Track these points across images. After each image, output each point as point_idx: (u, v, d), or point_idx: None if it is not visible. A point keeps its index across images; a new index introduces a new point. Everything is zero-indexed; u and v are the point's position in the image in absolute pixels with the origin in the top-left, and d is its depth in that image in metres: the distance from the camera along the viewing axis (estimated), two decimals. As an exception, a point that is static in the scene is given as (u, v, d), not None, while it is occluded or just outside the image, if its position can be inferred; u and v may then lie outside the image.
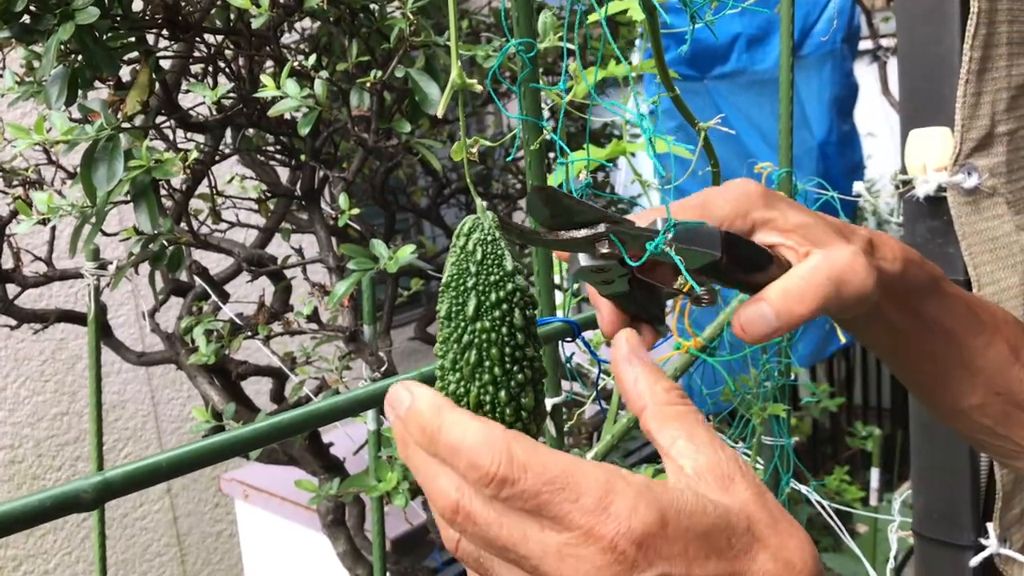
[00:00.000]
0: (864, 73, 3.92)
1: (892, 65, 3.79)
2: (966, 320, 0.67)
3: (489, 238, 0.50)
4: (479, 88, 0.54)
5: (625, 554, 0.42)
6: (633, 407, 0.50)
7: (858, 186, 1.30)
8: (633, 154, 1.29)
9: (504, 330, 0.49)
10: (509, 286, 0.49)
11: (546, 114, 1.01)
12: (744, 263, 0.57)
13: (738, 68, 3.54)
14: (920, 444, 1.24)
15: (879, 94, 3.82)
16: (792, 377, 1.37)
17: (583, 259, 0.54)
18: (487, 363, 0.49)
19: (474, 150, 0.61)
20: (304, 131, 1.21)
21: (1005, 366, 0.67)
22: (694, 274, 0.55)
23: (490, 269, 0.49)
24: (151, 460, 0.53)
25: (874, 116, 4.13)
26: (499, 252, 0.49)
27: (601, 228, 0.52)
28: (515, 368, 0.49)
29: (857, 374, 4.61)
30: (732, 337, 1.18)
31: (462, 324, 0.49)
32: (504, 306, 0.49)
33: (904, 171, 1.13)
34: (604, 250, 0.52)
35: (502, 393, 0.49)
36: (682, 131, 2.99)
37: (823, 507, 1.45)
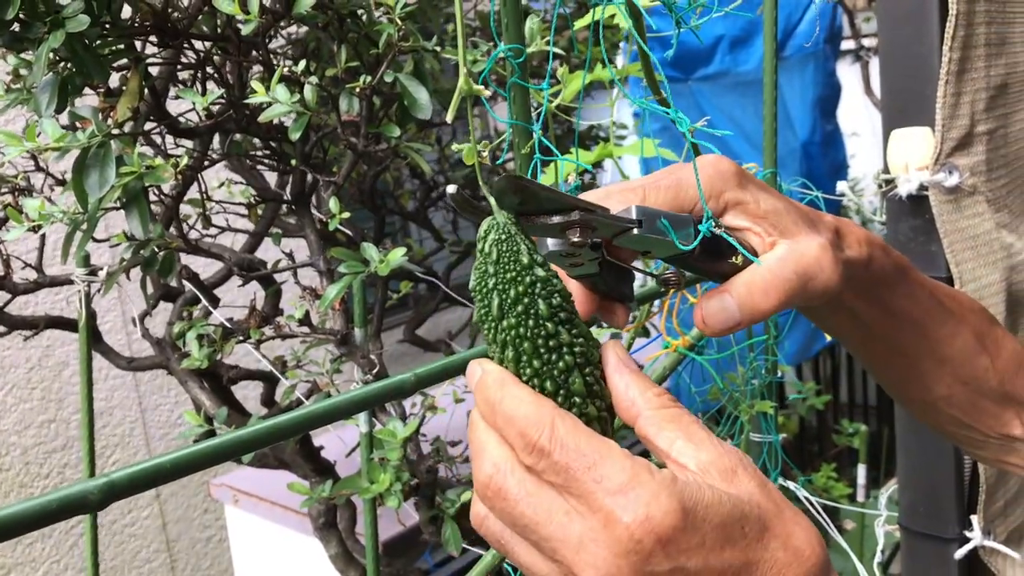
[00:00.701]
0: (847, 73, 3.95)
1: (875, 65, 3.83)
2: (932, 310, 0.66)
3: (504, 237, 0.50)
4: (487, 93, 0.54)
5: (642, 544, 0.43)
6: (626, 415, 0.51)
7: (842, 185, 1.32)
8: (619, 156, 1.30)
9: (531, 323, 0.50)
10: (527, 279, 0.50)
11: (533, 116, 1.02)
12: (711, 252, 0.57)
13: (721, 69, 3.57)
14: (906, 440, 1.26)
15: (862, 94, 3.85)
16: (779, 375, 1.38)
17: (551, 243, 0.54)
18: (524, 358, 0.50)
19: (485, 153, 0.62)
20: (295, 136, 1.22)
21: (972, 355, 0.67)
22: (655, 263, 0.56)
23: (507, 267, 0.50)
24: (155, 461, 0.54)
25: (857, 116, 4.17)
26: (514, 248, 0.50)
27: (575, 216, 0.52)
28: (554, 357, 0.50)
29: (843, 372, 4.64)
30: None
31: (492, 325, 0.51)
32: (525, 300, 0.50)
33: (886, 170, 1.15)
34: (575, 238, 0.52)
35: (547, 383, 0.50)
36: (666, 132, 3.01)
37: (811, 503, 1.47)
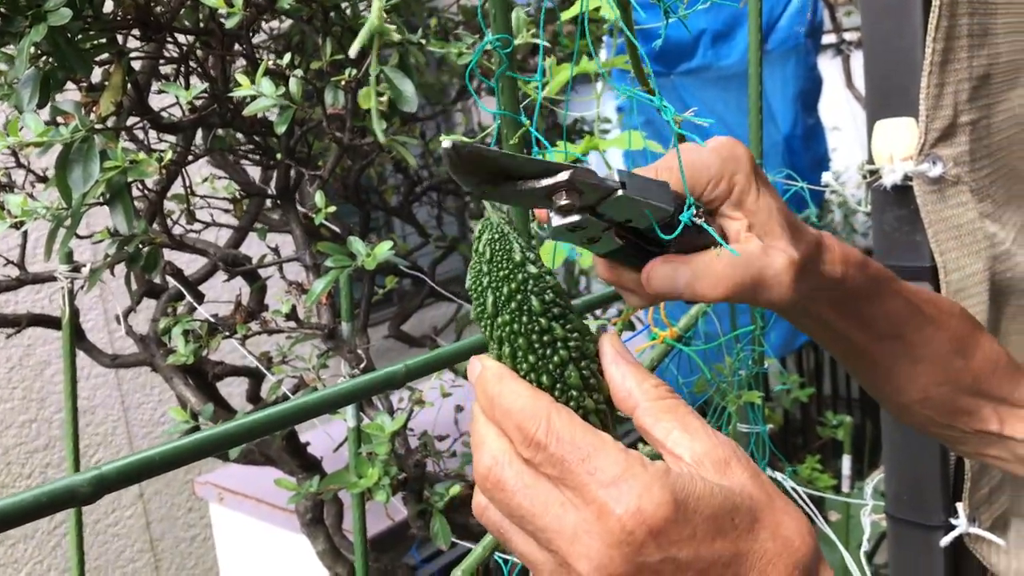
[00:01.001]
0: (828, 67, 3.97)
1: (856, 58, 3.85)
2: (910, 318, 0.67)
3: (497, 236, 0.51)
4: (396, 37, 0.54)
5: (633, 535, 0.43)
6: (624, 406, 0.52)
7: (827, 176, 1.32)
8: (604, 150, 1.31)
9: (524, 319, 0.50)
10: (520, 276, 0.50)
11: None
12: (686, 227, 0.57)
13: (704, 64, 3.57)
14: (891, 429, 1.26)
15: (843, 87, 3.87)
16: (765, 366, 1.39)
17: (555, 219, 0.54)
18: (519, 353, 0.51)
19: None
20: (280, 129, 1.21)
21: (947, 358, 0.68)
22: (642, 232, 0.56)
23: (500, 265, 0.51)
24: (145, 454, 0.54)
25: (838, 109, 4.19)
26: (507, 247, 0.51)
27: (563, 177, 0.51)
28: (548, 351, 0.51)
29: (826, 365, 4.66)
30: (707, 327, 1.20)
31: (488, 322, 0.52)
32: (518, 296, 0.50)
33: (871, 161, 1.16)
34: (562, 201, 0.52)
35: (544, 377, 0.51)
36: (650, 126, 3.02)
37: (798, 493, 1.48)
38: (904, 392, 0.69)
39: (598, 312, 2.25)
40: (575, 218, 0.53)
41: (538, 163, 0.52)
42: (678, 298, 0.59)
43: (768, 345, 1.37)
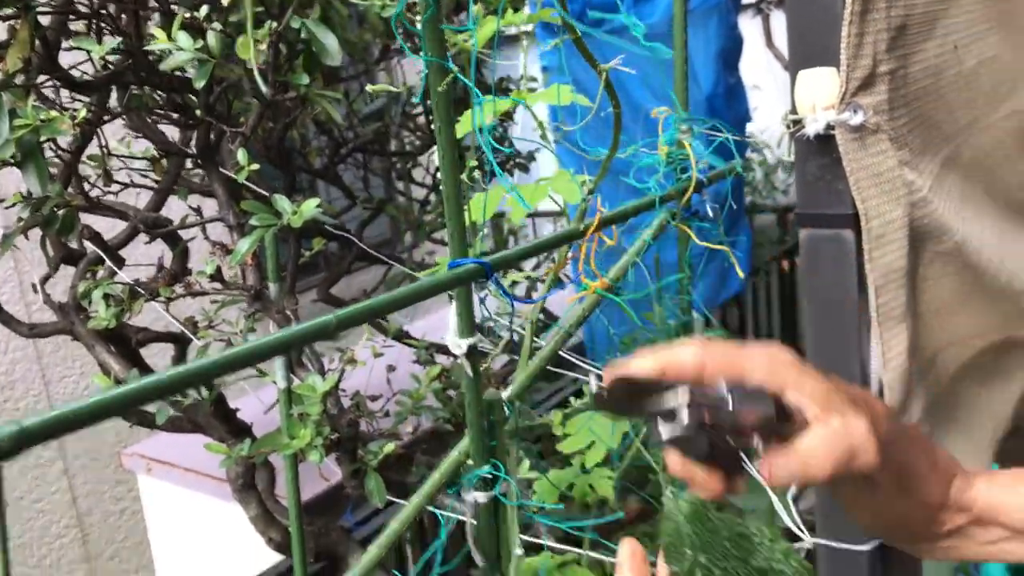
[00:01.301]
0: (748, 26, 4.01)
1: (775, 17, 3.89)
2: (909, 447, 0.71)
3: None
4: None
5: None
6: None
7: (751, 128, 1.34)
8: (532, 104, 1.30)
9: None
10: None
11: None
12: (780, 421, 0.62)
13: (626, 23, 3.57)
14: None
15: (763, 47, 3.92)
16: (693, 316, 1.41)
17: (665, 432, 0.58)
18: None
19: (264, 47, 0.63)
20: (199, 84, 1.18)
21: (927, 477, 0.72)
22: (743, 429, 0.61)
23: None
24: (71, 407, 0.52)
25: (759, 68, 4.23)
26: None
27: (684, 398, 0.56)
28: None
29: (749, 319, 4.76)
30: (636, 276, 1.22)
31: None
32: None
33: (794, 111, 1.18)
34: (686, 420, 0.56)
35: None
36: (575, 86, 3.02)
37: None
38: (890, 509, 0.73)
39: (527, 266, 2.25)
40: (684, 431, 0.57)
41: (651, 388, 0.58)
42: (793, 484, 0.66)
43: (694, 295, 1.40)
